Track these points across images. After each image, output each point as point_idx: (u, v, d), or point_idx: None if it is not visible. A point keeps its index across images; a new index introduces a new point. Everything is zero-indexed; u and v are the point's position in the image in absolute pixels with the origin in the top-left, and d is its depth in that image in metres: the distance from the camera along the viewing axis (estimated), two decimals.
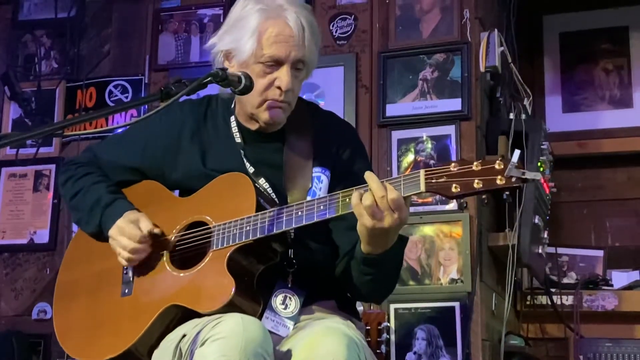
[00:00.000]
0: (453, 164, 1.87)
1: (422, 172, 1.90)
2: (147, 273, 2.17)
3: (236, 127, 2.25)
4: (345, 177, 2.17)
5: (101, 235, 2.23)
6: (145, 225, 2.15)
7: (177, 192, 2.31)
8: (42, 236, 3.95)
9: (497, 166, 1.83)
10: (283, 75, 2.12)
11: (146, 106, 3.51)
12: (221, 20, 3.88)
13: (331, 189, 2.17)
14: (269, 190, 2.17)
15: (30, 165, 4.03)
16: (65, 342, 2.23)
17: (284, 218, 2.03)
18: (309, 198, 2.11)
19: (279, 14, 2.11)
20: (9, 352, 3.66)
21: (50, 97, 4.08)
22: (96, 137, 3.44)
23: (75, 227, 3.82)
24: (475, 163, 1.86)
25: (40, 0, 4.23)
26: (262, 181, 2.18)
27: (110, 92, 3.99)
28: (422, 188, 1.89)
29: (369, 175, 1.93)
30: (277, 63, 2.12)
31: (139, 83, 3.96)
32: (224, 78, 2.08)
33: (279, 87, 2.13)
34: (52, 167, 4.01)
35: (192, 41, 3.93)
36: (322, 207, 2.00)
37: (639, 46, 4.39)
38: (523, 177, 1.82)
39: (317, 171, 2.20)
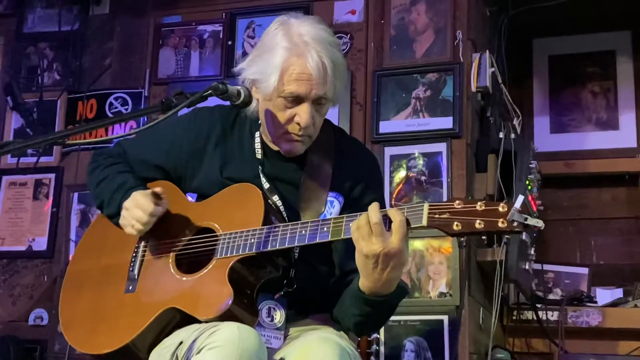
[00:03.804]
0: (457, 202, 1.85)
1: (426, 205, 1.88)
2: (152, 272, 2.16)
3: (259, 143, 2.23)
4: (355, 206, 2.14)
5: (119, 216, 2.20)
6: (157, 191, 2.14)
7: (194, 196, 2.30)
8: (41, 244, 3.94)
9: (500, 209, 1.81)
10: (303, 112, 2.10)
11: (145, 117, 3.51)
12: (220, 36, 3.90)
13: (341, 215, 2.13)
14: (282, 207, 2.15)
15: (31, 174, 4.02)
16: (68, 332, 2.22)
17: (288, 235, 2.01)
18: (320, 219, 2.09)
19: (302, 53, 2.07)
20: (6, 357, 3.64)
21: (52, 108, 4.08)
22: (96, 147, 3.44)
23: (73, 235, 3.86)
24: (479, 203, 1.83)
25: (44, 14, 4.23)
26: (275, 198, 2.16)
27: (111, 104, 3.98)
28: (424, 222, 1.86)
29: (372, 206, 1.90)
30: (297, 99, 2.10)
31: (139, 96, 3.96)
32: (224, 91, 2.08)
33: (298, 123, 2.12)
34: (52, 176, 4.00)
35: (191, 56, 3.93)
36: (325, 229, 1.98)
37: (626, 70, 4.41)
38: (525, 222, 1.79)
39: (331, 196, 2.18)
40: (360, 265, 1.94)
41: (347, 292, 2.09)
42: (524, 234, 3.47)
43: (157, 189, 2.17)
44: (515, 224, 1.79)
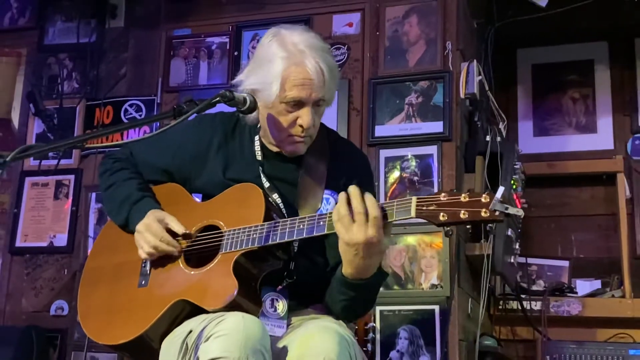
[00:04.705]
0: (443, 194, 1.85)
1: (414, 199, 1.88)
2: (162, 268, 2.16)
3: (259, 146, 2.24)
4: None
5: (127, 227, 2.23)
6: (176, 226, 2.14)
7: (199, 196, 2.29)
8: (61, 240, 3.94)
9: (483, 199, 1.80)
10: (305, 115, 2.11)
11: (158, 123, 3.51)
12: (227, 47, 3.90)
13: None
14: (281, 205, 2.15)
15: (52, 176, 4.02)
16: (85, 324, 2.22)
17: (287, 229, 2.02)
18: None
19: (300, 61, 2.08)
20: (29, 345, 3.64)
21: (71, 114, 4.07)
22: (112, 150, 3.44)
23: (91, 232, 3.87)
24: (463, 195, 1.83)
25: (64, 27, 4.23)
26: (275, 196, 2.16)
27: (126, 111, 3.98)
28: (413, 214, 1.87)
29: (352, 191, 1.91)
30: (299, 103, 2.10)
31: (152, 103, 3.96)
32: (231, 98, 2.08)
33: (301, 125, 2.12)
34: (72, 177, 4.00)
35: (200, 66, 3.93)
36: (321, 223, 1.98)
37: (603, 78, 4.42)
38: (506, 211, 1.78)
39: (327, 193, 2.18)
40: (342, 253, 1.96)
41: (333, 279, 2.10)
42: (509, 229, 3.47)
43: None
44: (497, 213, 1.79)
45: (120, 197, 2.26)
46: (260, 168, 2.21)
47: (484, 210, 1.80)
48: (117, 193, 2.28)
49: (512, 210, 1.79)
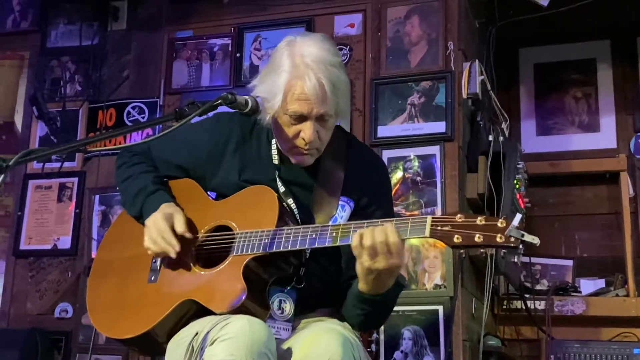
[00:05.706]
0: (459, 215, 1.84)
1: (429, 218, 1.87)
2: (173, 265, 2.15)
3: (276, 149, 2.22)
4: (364, 212, 2.14)
5: (140, 219, 2.22)
6: (179, 226, 2.12)
7: (214, 194, 2.28)
8: (65, 242, 3.94)
9: (499, 224, 1.80)
10: (307, 129, 2.08)
11: (160, 126, 3.51)
12: (229, 49, 3.90)
13: (350, 219, 2.13)
14: (295, 210, 2.14)
15: (55, 178, 4.02)
16: (93, 316, 2.22)
17: (300, 237, 2.00)
18: (330, 223, 2.08)
19: (302, 76, 2.05)
20: (34, 348, 3.64)
21: (74, 117, 4.08)
22: (115, 153, 3.44)
23: (95, 234, 3.87)
24: (479, 218, 1.82)
25: (66, 30, 4.23)
26: (290, 201, 2.14)
27: (129, 113, 3.98)
28: (427, 233, 1.86)
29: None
30: (301, 117, 2.09)
31: (155, 105, 3.96)
32: (233, 101, 2.07)
33: (303, 139, 2.10)
34: (75, 180, 4.00)
35: (203, 67, 3.93)
36: (333, 234, 1.97)
37: (605, 76, 4.42)
38: (522, 238, 1.77)
39: (343, 200, 2.16)
40: (360, 275, 1.96)
41: (349, 294, 2.10)
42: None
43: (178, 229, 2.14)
44: (512, 239, 1.78)
45: (135, 189, 2.25)
46: (277, 172, 2.19)
47: (499, 235, 1.79)
48: (132, 185, 2.27)
49: (528, 238, 1.78)
